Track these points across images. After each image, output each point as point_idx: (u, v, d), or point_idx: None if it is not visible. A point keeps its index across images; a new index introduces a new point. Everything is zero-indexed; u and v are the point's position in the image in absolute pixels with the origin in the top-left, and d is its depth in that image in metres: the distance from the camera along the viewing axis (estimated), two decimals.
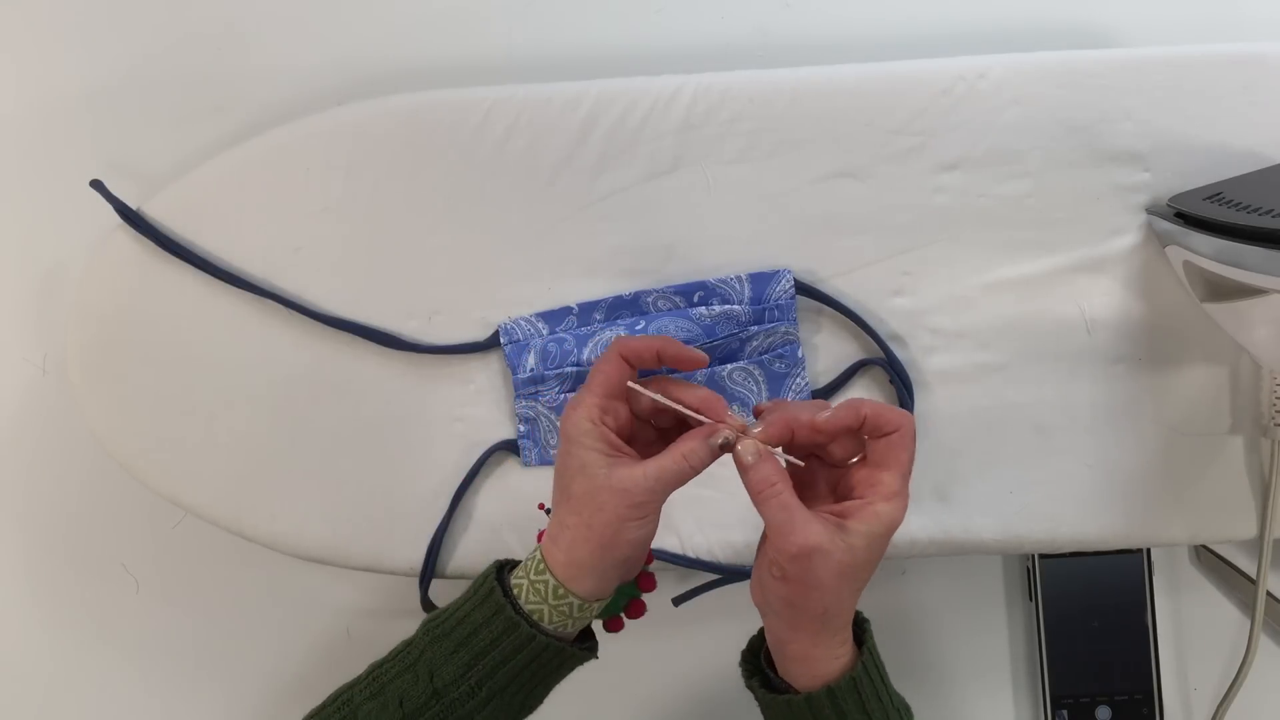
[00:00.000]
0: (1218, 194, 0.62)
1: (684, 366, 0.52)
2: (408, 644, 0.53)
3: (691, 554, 0.69)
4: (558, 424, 0.65)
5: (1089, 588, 0.75)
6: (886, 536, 0.49)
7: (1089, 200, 0.68)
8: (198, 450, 0.70)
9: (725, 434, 0.50)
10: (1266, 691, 0.77)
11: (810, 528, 0.47)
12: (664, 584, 0.75)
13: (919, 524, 0.68)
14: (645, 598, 0.58)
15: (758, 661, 0.55)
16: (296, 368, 0.70)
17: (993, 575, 0.80)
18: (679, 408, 0.51)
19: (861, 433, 0.50)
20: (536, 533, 0.61)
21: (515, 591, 0.51)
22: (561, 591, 0.50)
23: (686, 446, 0.50)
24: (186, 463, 0.70)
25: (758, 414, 0.52)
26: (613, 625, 0.57)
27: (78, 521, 0.83)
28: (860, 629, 0.53)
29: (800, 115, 0.68)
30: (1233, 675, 0.74)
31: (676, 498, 0.69)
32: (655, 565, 0.69)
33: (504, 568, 0.53)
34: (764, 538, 0.52)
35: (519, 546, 0.70)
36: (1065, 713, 0.75)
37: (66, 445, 0.82)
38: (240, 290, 0.69)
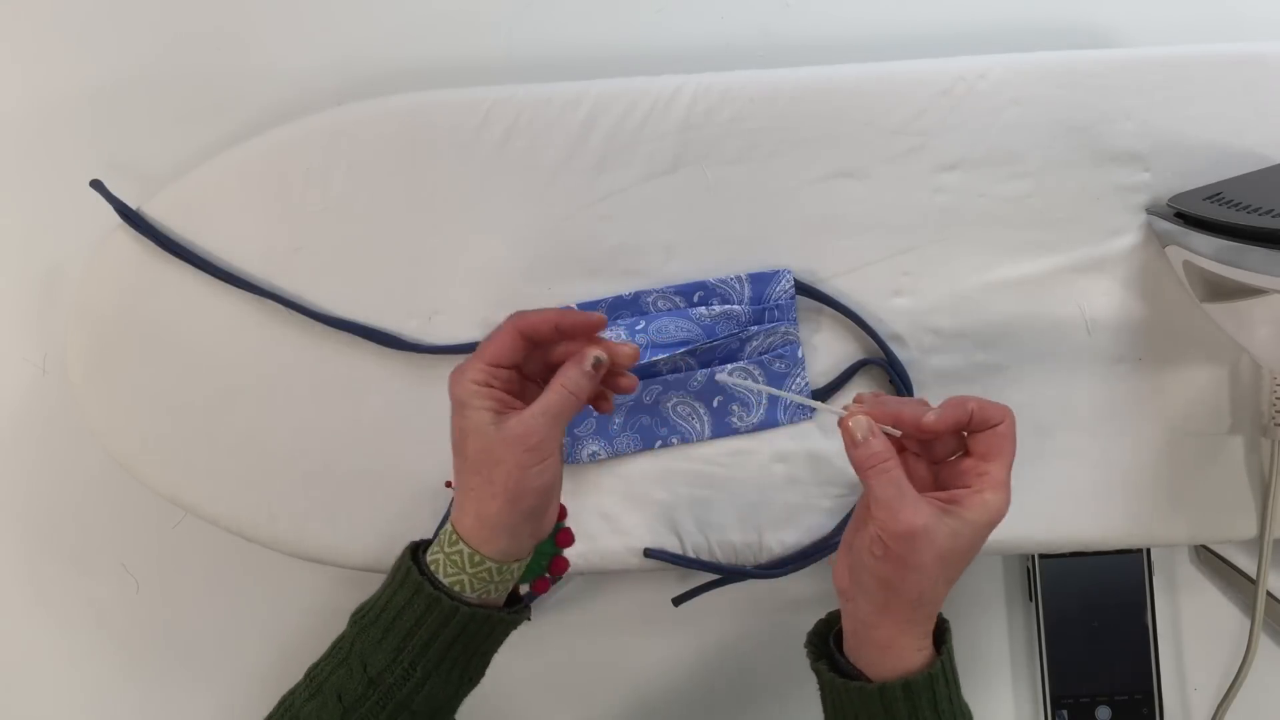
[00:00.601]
0: (1218, 194, 0.62)
1: (581, 333, 0.53)
2: (339, 640, 0.53)
3: (692, 554, 0.69)
4: None
5: (1089, 588, 0.75)
6: (990, 526, 0.49)
7: (1089, 200, 0.68)
8: (198, 450, 0.70)
9: (595, 354, 0.51)
10: (1266, 691, 0.77)
11: (920, 508, 0.48)
12: (664, 584, 0.76)
13: None
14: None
15: (825, 645, 0.55)
16: (297, 368, 0.70)
17: (993, 575, 0.80)
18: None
19: (969, 428, 0.51)
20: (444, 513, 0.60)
21: (432, 568, 0.52)
22: (477, 558, 0.51)
23: (565, 376, 0.51)
24: (186, 463, 0.70)
25: (856, 402, 0.52)
26: (539, 586, 0.57)
27: (78, 521, 0.83)
28: (941, 630, 0.53)
29: (800, 115, 0.68)
30: (1233, 675, 0.74)
31: (677, 498, 0.70)
32: (655, 565, 0.69)
33: (419, 548, 0.53)
34: (859, 519, 0.52)
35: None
36: (1065, 713, 0.75)
37: (66, 445, 0.82)
38: (240, 290, 0.69)
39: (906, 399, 0.53)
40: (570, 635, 0.81)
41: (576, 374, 0.51)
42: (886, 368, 0.68)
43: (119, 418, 0.70)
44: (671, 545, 0.69)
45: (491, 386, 0.51)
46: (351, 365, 0.69)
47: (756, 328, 0.67)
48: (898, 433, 0.51)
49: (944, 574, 0.49)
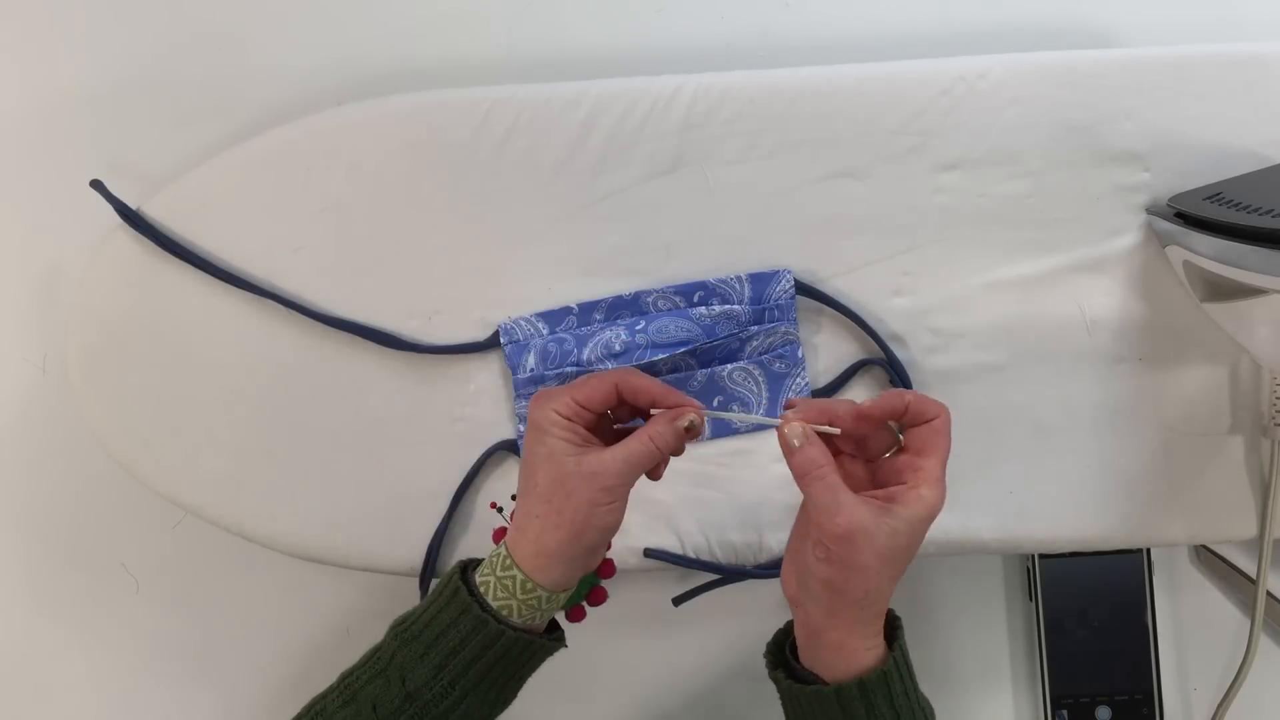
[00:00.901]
0: (1218, 194, 0.62)
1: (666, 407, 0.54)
2: (376, 650, 0.53)
3: (692, 554, 0.69)
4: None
5: (1089, 588, 0.75)
6: (928, 521, 0.49)
7: (1089, 200, 0.68)
8: (198, 450, 0.70)
9: (691, 417, 0.52)
10: (1266, 691, 0.77)
11: (856, 509, 0.48)
12: (664, 584, 0.76)
13: None
14: (606, 584, 0.59)
15: (782, 654, 0.55)
16: (297, 368, 0.70)
17: (993, 575, 0.80)
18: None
19: (904, 419, 0.51)
20: (492, 532, 0.60)
21: (482, 589, 0.52)
22: (530, 585, 0.51)
23: (653, 430, 0.52)
24: (186, 463, 0.70)
25: (788, 408, 0.53)
26: (575, 615, 0.58)
27: (78, 521, 0.83)
28: (892, 627, 0.53)
29: (800, 115, 0.68)
30: (1233, 675, 0.74)
31: (677, 498, 0.70)
32: (655, 565, 0.69)
33: (468, 568, 0.54)
34: (801, 526, 0.53)
35: None
36: (1065, 713, 0.75)
37: (66, 445, 0.82)
38: (240, 291, 0.69)
39: (837, 399, 0.54)
40: (570, 635, 0.81)
41: (667, 430, 0.52)
42: (886, 368, 0.68)
43: (119, 418, 0.70)
44: (671, 545, 0.69)
45: (573, 422, 0.52)
46: (351, 365, 0.69)
47: (756, 328, 0.67)
48: (836, 430, 0.51)
49: (887, 572, 0.49)
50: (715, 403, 0.68)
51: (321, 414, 0.70)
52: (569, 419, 0.52)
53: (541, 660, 0.55)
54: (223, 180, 0.70)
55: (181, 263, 0.69)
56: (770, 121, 0.68)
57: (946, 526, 0.68)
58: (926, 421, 0.51)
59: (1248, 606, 0.76)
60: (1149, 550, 0.75)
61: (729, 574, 0.70)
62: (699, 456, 0.69)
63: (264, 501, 0.70)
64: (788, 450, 0.50)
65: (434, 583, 0.55)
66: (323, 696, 0.53)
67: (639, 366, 0.66)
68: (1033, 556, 0.76)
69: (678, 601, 0.72)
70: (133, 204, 0.69)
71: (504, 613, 0.52)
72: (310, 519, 0.70)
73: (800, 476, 0.50)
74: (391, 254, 0.69)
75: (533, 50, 0.81)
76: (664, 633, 0.80)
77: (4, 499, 0.83)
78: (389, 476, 0.70)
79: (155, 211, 0.70)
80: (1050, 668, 0.75)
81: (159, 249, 0.69)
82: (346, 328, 0.69)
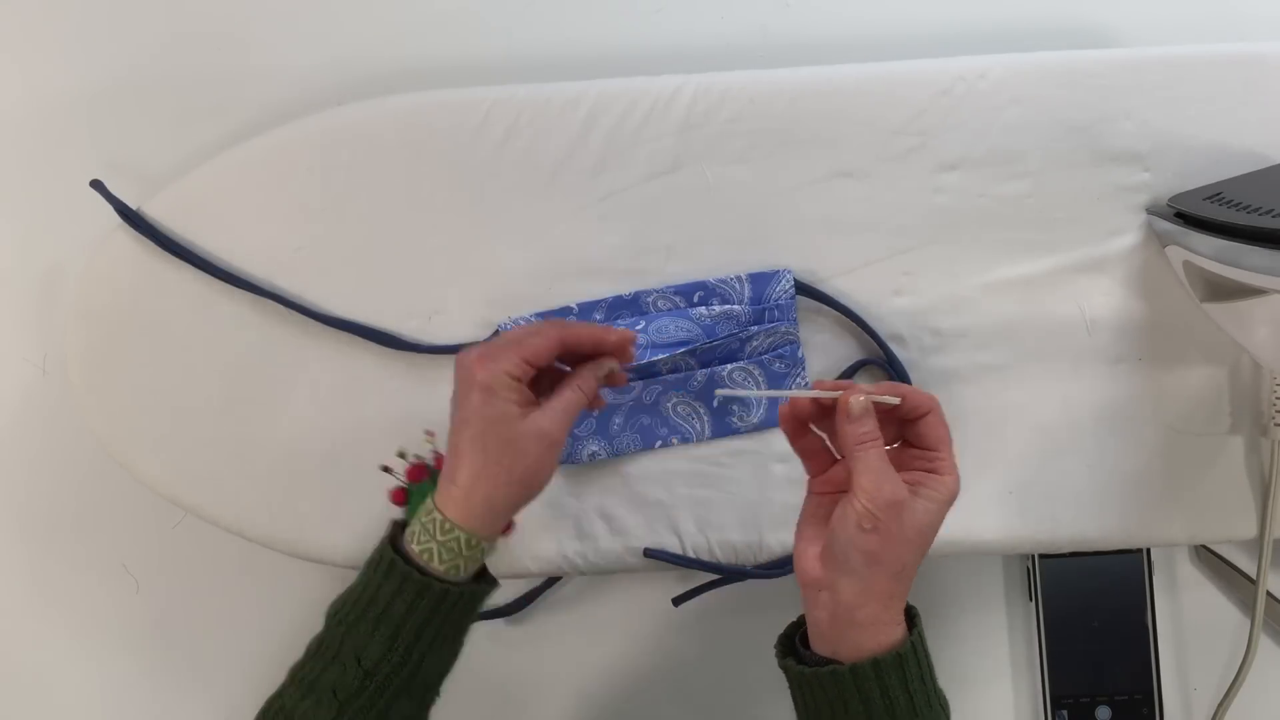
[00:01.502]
0: (1218, 194, 0.62)
1: (620, 356, 0.58)
2: (321, 640, 0.54)
3: (692, 554, 0.69)
4: None
5: (1089, 588, 0.75)
6: (949, 504, 0.53)
7: (1089, 200, 0.68)
8: (198, 450, 0.70)
9: (610, 365, 0.58)
10: (1266, 691, 0.77)
11: (900, 483, 0.51)
12: (664, 584, 0.76)
13: None
14: None
15: (792, 644, 0.56)
16: (297, 368, 0.70)
17: (993, 575, 0.80)
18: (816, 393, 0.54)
19: (900, 414, 0.54)
20: (390, 493, 0.60)
21: (424, 557, 0.53)
22: (474, 540, 0.54)
23: (582, 379, 0.57)
24: (187, 463, 0.70)
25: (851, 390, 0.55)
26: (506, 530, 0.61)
27: (78, 521, 0.83)
28: (910, 616, 0.55)
29: (800, 115, 0.68)
30: (1233, 675, 0.74)
31: (677, 498, 0.70)
32: (655, 565, 0.69)
33: (396, 538, 0.55)
34: (822, 508, 0.55)
35: (518, 543, 0.69)
36: (1065, 713, 0.75)
37: (66, 445, 0.82)
38: (240, 291, 0.69)
39: (850, 383, 0.56)
40: (570, 635, 0.81)
41: (590, 379, 0.57)
42: (886, 368, 0.68)
43: (119, 418, 0.70)
44: (671, 545, 0.69)
45: (521, 381, 0.54)
46: (351, 365, 0.69)
47: (756, 328, 0.67)
48: (896, 400, 0.53)
49: (919, 547, 0.52)
50: (715, 402, 0.68)
51: (321, 414, 0.70)
52: (519, 379, 0.54)
53: (483, 602, 0.57)
54: (223, 180, 0.70)
55: (181, 263, 0.69)
56: (770, 121, 0.68)
57: (947, 526, 0.68)
58: (920, 416, 0.53)
59: (1248, 606, 0.76)
60: (1149, 550, 0.75)
61: (729, 574, 0.70)
62: (699, 456, 0.69)
63: (264, 501, 0.70)
64: (846, 418, 0.52)
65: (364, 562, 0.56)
66: (279, 695, 0.54)
67: (638, 367, 0.66)
68: (1033, 556, 0.76)
69: (678, 601, 0.72)
70: (132, 204, 0.69)
71: (451, 573, 0.53)
72: (310, 519, 0.70)
73: (856, 444, 0.52)
74: (391, 254, 0.69)
75: (533, 50, 0.81)
76: (664, 633, 0.80)
77: (4, 499, 0.83)
78: (389, 477, 0.70)
79: (155, 211, 0.70)
80: (1050, 668, 0.75)
81: (158, 249, 0.69)
82: (346, 327, 0.69)
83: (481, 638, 0.82)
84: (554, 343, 0.55)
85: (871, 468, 0.51)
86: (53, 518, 0.83)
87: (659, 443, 0.68)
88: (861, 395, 0.52)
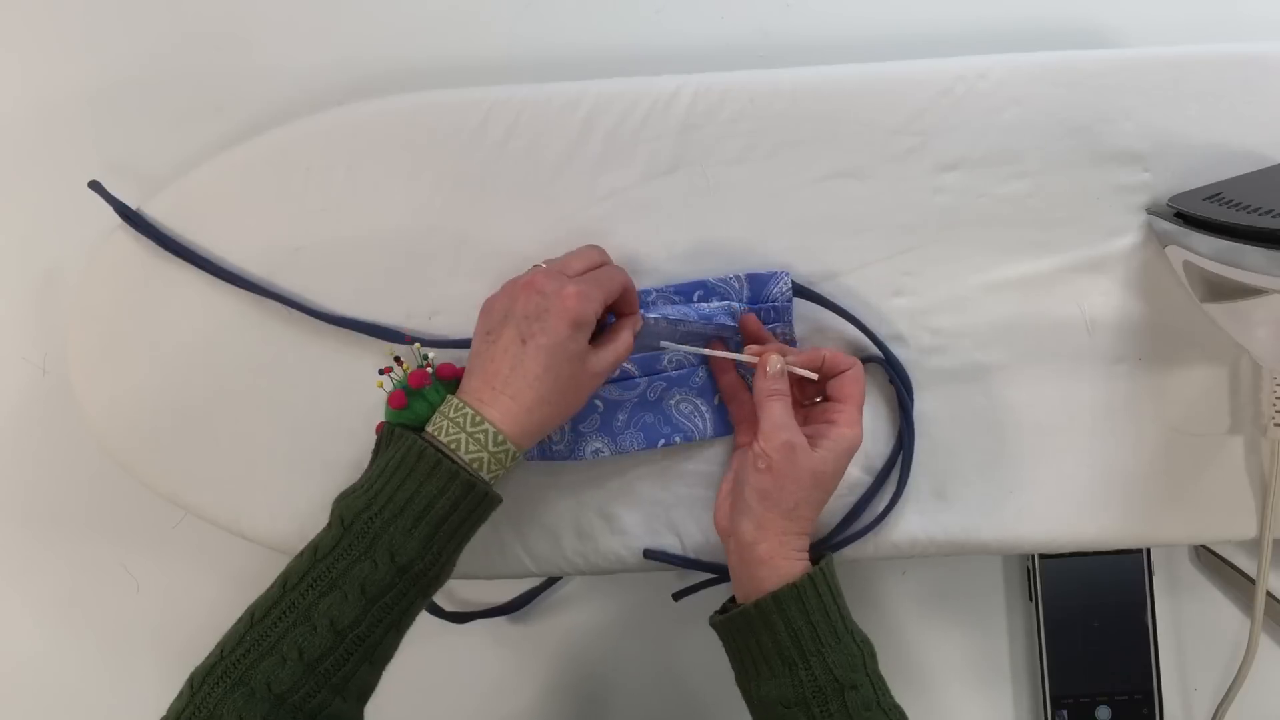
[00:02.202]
0: (1218, 194, 0.62)
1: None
2: (348, 536, 0.54)
3: (692, 554, 0.69)
4: None
5: (1089, 588, 0.75)
6: (848, 454, 0.60)
7: (1089, 200, 0.68)
8: (198, 450, 0.70)
9: (640, 322, 0.63)
10: (1266, 691, 0.77)
11: (798, 431, 0.59)
12: (664, 584, 0.76)
13: (919, 524, 0.68)
14: None
15: (725, 609, 0.62)
16: (297, 368, 0.70)
17: (993, 575, 0.80)
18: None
19: (821, 371, 0.62)
20: (397, 389, 0.61)
21: (452, 446, 0.56)
22: (505, 442, 0.56)
23: (632, 326, 0.62)
24: (186, 463, 0.70)
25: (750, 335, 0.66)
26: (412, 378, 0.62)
27: (78, 521, 0.83)
28: (821, 558, 0.60)
29: (800, 115, 0.68)
30: (1233, 675, 0.74)
31: (677, 498, 0.70)
32: (655, 565, 0.69)
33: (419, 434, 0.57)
34: (732, 467, 0.66)
35: (518, 542, 0.69)
36: (1065, 713, 0.75)
37: (66, 445, 0.82)
38: (240, 291, 0.69)
39: (780, 346, 0.65)
40: (570, 635, 0.81)
41: (629, 335, 0.61)
42: (885, 367, 0.68)
43: (119, 418, 0.70)
44: (671, 545, 0.69)
45: (596, 321, 0.58)
46: (352, 365, 0.69)
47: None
48: (814, 376, 0.62)
49: (814, 488, 0.59)
50: (716, 399, 0.68)
51: (321, 414, 0.70)
52: (598, 319, 0.58)
53: (490, 514, 0.59)
54: (222, 180, 0.70)
55: (181, 263, 0.69)
56: (770, 121, 0.68)
57: (947, 526, 0.68)
58: (841, 372, 0.61)
59: (1248, 606, 0.76)
60: (1149, 550, 0.75)
61: (728, 574, 0.70)
62: (700, 456, 0.69)
63: (264, 501, 0.70)
64: (763, 374, 0.61)
65: (384, 457, 0.57)
66: (290, 588, 0.54)
67: (642, 361, 0.66)
68: (1033, 556, 0.76)
69: (678, 596, 0.72)
70: (132, 204, 0.69)
71: (475, 466, 0.56)
72: (310, 519, 0.70)
73: (766, 396, 0.60)
74: (391, 254, 0.69)
75: (533, 50, 0.81)
76: (664, 633, 0.80)
77: (4, 499, 0.83)
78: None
79: (155, 211, 0.70)
80: (1050, 668, 0.75)
81: (158, 249, 0.69)
82: (348, 325, 0.69)
83: (481, 637, 0.82)
84: (624, 290, 0.60)
85: (772, 415, 0.59)
86: (53, 518, 0.83)
87: (662, 441, 0.68)
88: (779, 360, 0.61)
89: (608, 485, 0.69)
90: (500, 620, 0.80)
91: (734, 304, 0.67)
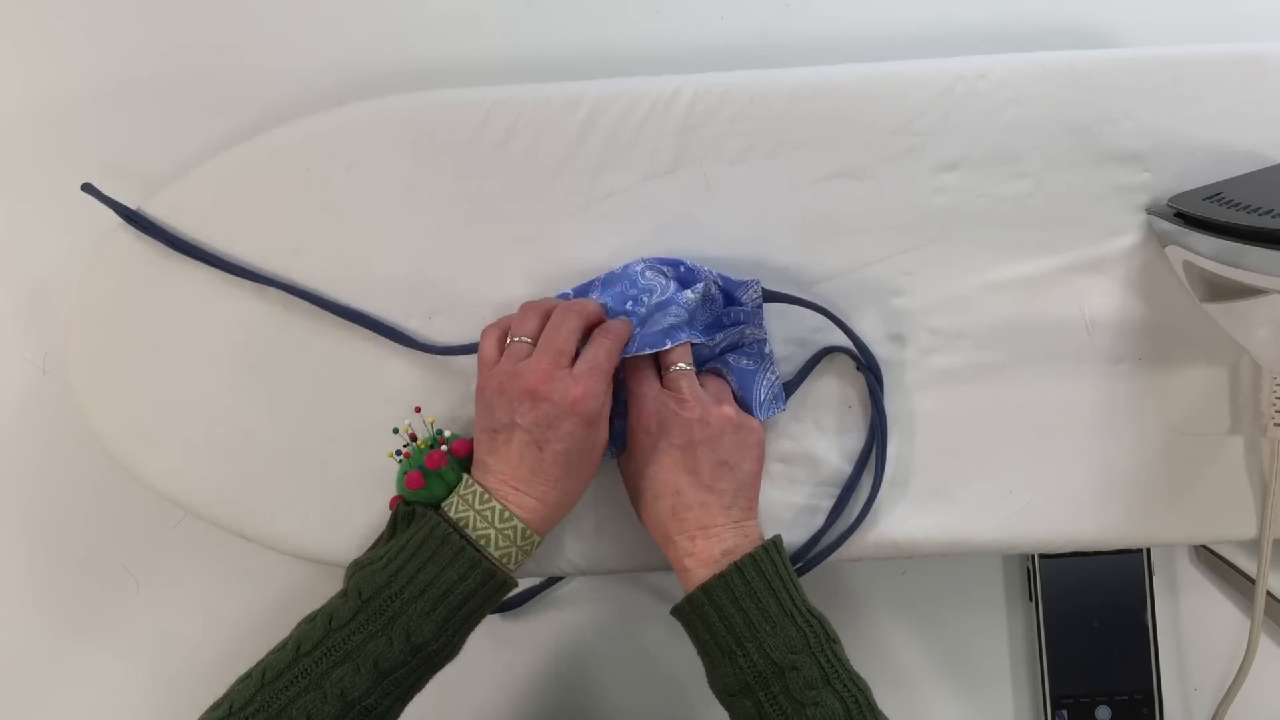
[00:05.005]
0: (1218, 194, 0.62)
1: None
2: (363, 610, 0.55)
3: None
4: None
5: (1089, 588, 0.75)
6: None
7: (1089, 200, 0.68)
8: (198, 450, 0.70)
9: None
10: (1266, 691, 0.77)
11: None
12: (664, 584, 0.76)
13: (919, 524, 0.68)
14: None
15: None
16: (297, 368, 0.70)
17: (993, 575, 0.80)
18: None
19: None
20: (413, 471, 0.61)
21: (481, 541, 0.57)
22: (531, 535, 0.58)
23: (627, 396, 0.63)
24: (186, 463, 0.70)
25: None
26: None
27: (78, 521, 0.83)
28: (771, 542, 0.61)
29: (800, 115, 0.68)
30: (1233, 675, 0.74)
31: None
32: (655, 566, 0.69)
33: (439, 519, 0.58)
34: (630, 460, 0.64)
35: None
36: (1065, 713, 0.75)
37: (66, 445, 0.82)
38: (240, 291, 0.69)
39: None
40: (570, 635, 0.81)
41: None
42: (855, 355, 0.67)
43: (119, 418, 0.70)
44: None
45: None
46: (353, 366, 0.69)
47: (722, 335, 0.66)
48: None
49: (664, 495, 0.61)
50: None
51: (321, 414, 0.70)
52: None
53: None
54: (222, 180, 0.70)
55: (181, 263, 0.69)
56: (770, 121, 0.68)
57: (947, 526, 0.68)
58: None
59: (1248, 606, 0.76)
60: (1149, 550, 0.75)
61: None
62: None
63: (264, 501, 0.70)
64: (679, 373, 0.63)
65: (405, 535, 0.58)
66: (303, 654, 0.54)
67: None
68: (1033, 556, 0.76)
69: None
70: (132, 204, 0.69)
71: (504, 560, 0.58)
72: (310, 519, 0.70)
73: (666, 367, 0.63)
74: (391, 254, 0.69)
75: (533, 50, 0.81)
76: (664, 633, 0.80)
77: (4, 499, 0.83)
78: (390, 477, 0.70)
79: (155, 212, 0.70)
80: (1050, 668, 0.75)
81: (159, 248, 0.69)
82: (352, 317, 0.68)
83: (481, 636, 0.82)
84: (619, 352, 0.61)
85: (688, 389, 0.63)
86: (53, 518, 0.83)
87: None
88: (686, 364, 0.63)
89: (608, 485, 0.69)
90: (498, 619, 0.81)
91: (716, 295, 0.66)
